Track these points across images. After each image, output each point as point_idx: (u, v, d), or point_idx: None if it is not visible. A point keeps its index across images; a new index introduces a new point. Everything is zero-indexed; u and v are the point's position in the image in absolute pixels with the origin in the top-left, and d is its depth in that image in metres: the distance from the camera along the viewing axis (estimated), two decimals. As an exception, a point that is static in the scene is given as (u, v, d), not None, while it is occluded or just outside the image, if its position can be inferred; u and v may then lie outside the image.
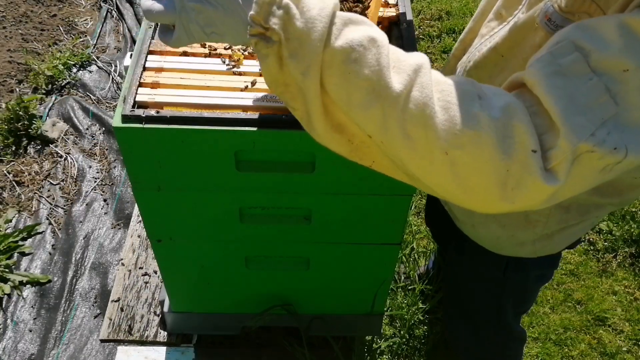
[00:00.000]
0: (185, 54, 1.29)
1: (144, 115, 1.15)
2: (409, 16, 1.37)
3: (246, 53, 1.29)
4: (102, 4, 3.35)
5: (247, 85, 1.22)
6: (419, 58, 0.75)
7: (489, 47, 1.15)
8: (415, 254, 2.29)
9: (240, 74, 1.26)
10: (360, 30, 0.74)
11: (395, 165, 0.80)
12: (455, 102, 0.72)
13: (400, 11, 1.35)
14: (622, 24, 0.73)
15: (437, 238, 1.80)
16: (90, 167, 2.52)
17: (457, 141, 0.71)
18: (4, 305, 2.07)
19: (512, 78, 0.80)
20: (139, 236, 2.26)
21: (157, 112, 1.15)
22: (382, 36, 0.75)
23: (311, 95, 0.75)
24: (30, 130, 2.57)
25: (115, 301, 2.06)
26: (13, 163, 2.50)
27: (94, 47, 3.08)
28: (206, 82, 1.23)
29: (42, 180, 2.46)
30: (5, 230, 2.27)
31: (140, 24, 3.13)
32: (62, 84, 2.85)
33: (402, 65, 0.73)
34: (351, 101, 0.74)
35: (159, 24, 0.88)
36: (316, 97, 0.75)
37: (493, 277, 1.37)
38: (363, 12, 1.11)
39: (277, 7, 0.73)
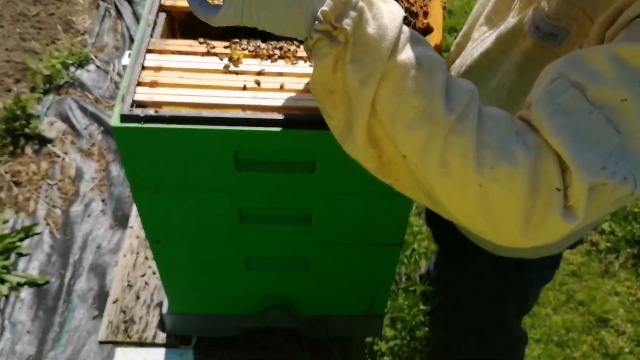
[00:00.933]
0: (184, 52, 1.27)
1: (142, 115, 1.13)
2: None
3: (246, 52, 1.28)
4: (100, 3, 3.33)
5: (245, 85, 1.21)
6: (469, 86, 0.76)
7: (480, 52, 1.14)
8: (417, 255, 2.28)
9: (239, 73, 1.24)
10: (422, 49, 0.74)
11: (418, 186, 0.79)
12: (495, 137, 0.73)
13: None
14: (612, 54, 0.73)
15: (437, 239, 1.79)
16: (88, 167, 2.51)
17: (493, 175, 0.72)
18: (1, 307, 2.05)
19: (518, 115, 0.80)
20: (137, 237, 2.24)
21: (156, 111, 1.14)
22: (440, 59, 0.75)
23: (362, 105, 0.74)
24: (27, 130, 2.56)
25: (114, 302, 2.05)
26: (10, 163, 2.48)
27: (92, 46, 3.06)
28: (205, 81, 1.22)
29: (40, 181, 2.44)
30: (3, 231, 2.26)
31: (138, 22, 3.12)
32: (60, 83, 2.83)
33: (455, 93, 0.74)
34: (397, 118, 0.74)
35: None
36: (367, 107, 0.74)
37: (494, 279, 1.36)
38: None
39: (351, 8, 0.71)
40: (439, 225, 1.60)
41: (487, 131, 0.73)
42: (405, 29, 0.74)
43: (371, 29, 0.71)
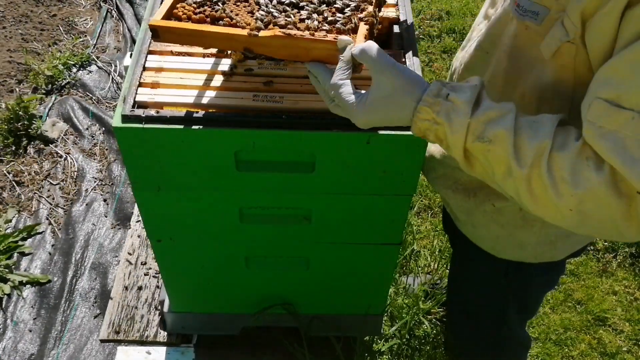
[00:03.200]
0: (185, 54, 1.29)
1: (143, 115, 1.15)
2: (410, 19, 1.37)
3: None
4: (102, 4, 3.35)
5: (245, 85, 1.22)
6: (541, 138, 0.85)
7: (475, 46, 1.16)
8: (416, 255, 2.29)
9: (240, 74, 1.26)
10: (492, 125, 0.87)
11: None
12: (568, 170, 0.83)
13: (401, 18, 1.36)
14: (628, 61, 0.78)
15: (453, 243, 1.77)
16: (90, 167, 2.53)
17: (577, 200, 0.83)
18: (4, 305, 2.07)
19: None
20: (138, 236, 2.26)
21: (157, 112, 1.15)
22: (508, 120, 0.87)
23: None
24: (30, 130, 2.57)
25: (115, 301, 2.06)
26: (13, 163, 2.50)
27: (93, 47, 3.08)
28: (206, 82, 1.23)
29: (42, 180, 2.46)
30: (5, 230, 2.27)
31: (140, 23, 3.13)
32: (62, 84, 2.85)
33: (525, 149, 0.86)
34: (493, 177, 0.92)
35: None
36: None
37: (495, 282, 1.36)
38: (349, 27, 1.10)
39: (435, 115, 0.90)
40: (454, 230, 1.59)
41: (560, 168, 0.84)
42: (479, 116, 0.88)
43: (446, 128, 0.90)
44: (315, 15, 1.08)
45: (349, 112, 0.95)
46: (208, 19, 1.06)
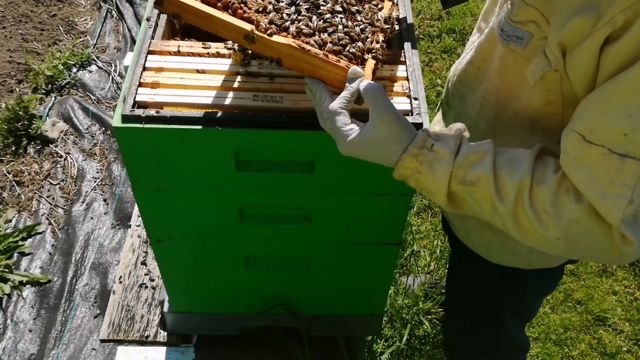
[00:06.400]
0: (185, 54, 1.29)
1: (143, 115, 1.15)
2: (410, 19, 1.37)
3: (248, 51, 1.29)
4: (102, 4, 3.35)
5: (245, 85, 1.22)
6: (520, 173, 0.88)
7: (467, 60, 1.17)
8: (416, 255, 2.29)
9: (240, 74, 1.25)
10: (473, 169, 0.91)
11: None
12: (549, 202, 0.87)
13: (400, 15, 1.36)
14: (602, 98, 0.81)
15: (450, 243, 1.78)
16: (90, 167, 2.52)
17: (562, 229, 0.87)
18: (4, 305, 2.07)
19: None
20: (138, 236, 2.26)
21: (157, 112, 1.15)
22: (488, 161, 0.90)
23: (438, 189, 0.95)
24: (30, 130, 2.57)
25: (115, 301, 2.06)
26: (13, 163, 2.50)
27: (93, 47, 3.08)
28: (206, 82, 1.23)
29: (42, 180, 2.46)
30: (5, 230, 2.27)
31: (140, 23, 3.13)
32: (62, 84, 2.85)
33: (506, 187, 0.89)
34: (482, 214, 0.95)
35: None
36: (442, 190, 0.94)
37: (490, 286, 1.36)
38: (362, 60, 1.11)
39: (416, 172, 0.93)
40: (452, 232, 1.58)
41: (542, 202, 0.87)
42: (460, 162, 0.91)
43: (426, 183, 0.94)
44: (330, 36, 1.08)
45: (337, 138, 0.98)
46: (219, 4, 1.05)
